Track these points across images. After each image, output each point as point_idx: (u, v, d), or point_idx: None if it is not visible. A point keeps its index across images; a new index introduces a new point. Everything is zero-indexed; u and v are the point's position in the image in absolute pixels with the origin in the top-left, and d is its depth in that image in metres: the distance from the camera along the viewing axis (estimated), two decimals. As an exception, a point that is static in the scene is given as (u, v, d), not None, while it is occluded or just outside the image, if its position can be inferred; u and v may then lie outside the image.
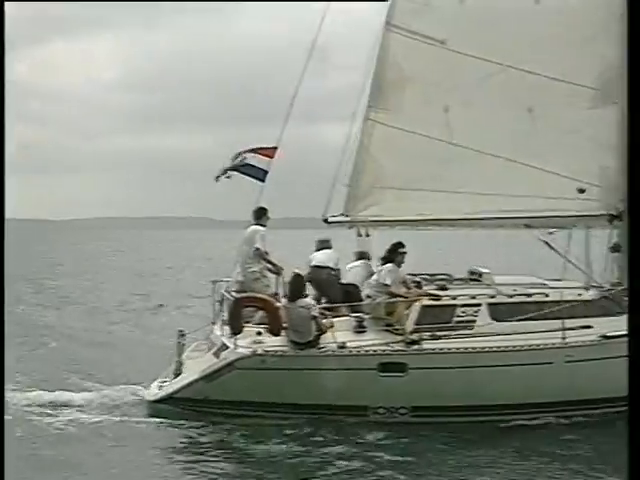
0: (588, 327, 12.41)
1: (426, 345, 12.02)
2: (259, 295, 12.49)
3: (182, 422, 12.23)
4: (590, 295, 13.01)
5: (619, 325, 12.14)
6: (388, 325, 12.54)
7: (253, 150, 13.46)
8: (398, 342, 12.11)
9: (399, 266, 12.87)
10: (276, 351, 12.08)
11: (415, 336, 12.05)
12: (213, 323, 13.77)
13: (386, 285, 12.52)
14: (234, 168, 13.47)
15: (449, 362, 11.95)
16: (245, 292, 12.87)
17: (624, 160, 13.54)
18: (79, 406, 12.76)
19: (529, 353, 11.99)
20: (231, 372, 12.12)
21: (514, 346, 11.94)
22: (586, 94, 13.71)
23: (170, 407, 12.57)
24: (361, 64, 13.92)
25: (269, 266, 13.25)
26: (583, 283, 13.62)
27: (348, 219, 13.66)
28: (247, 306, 12.36)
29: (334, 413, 12.08)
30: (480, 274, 13.46)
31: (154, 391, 13.00)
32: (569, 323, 12.28)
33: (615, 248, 13.65)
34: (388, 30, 13.79)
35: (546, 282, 13.43)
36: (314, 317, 12.02)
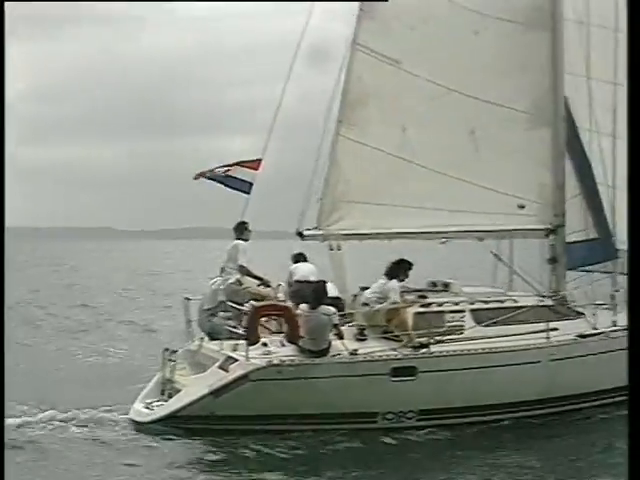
0: (556, 329, 13.46)
1: (434, 348, 12.45)
2: (278, 303, 12.27)
3: (188, 441, 11.68)
4: (549, 301, 14.12)
5: (580, 326, 13.42)
6: (385, 332, 12.81)
7: (238, 164, 13.28)
8: (406, 347, 12.40)
9: (402, 281, 13.17)
10: (292, 360, 11.91)
11: (423, 340, 12.43)
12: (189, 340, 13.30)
13: (395, 302, 12.77)
14: (220, 181, 13.22)
15: (456, 364, 12.45)
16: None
17: (558, 178, 15.06)
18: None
19: (523, 353, 12.81)
20: (244, 385, 11.77)
21: (515, 347, 12.70)
22: (522, 117, 14.93)
23: (165, 427, 11.92)
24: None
25: (256, 281, 13.07)
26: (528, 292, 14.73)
27: (321, 232, 13.78)
28: (265, 315, 12.09)
29: (345, 421, 12.09)
30: (446, 284, 14.13)
31: (143, 411, 12.24)
32: (540, 326, 13.28)
33: (552, 260, 14.92)
34: (353, 48, 14.22)
35: (502, 292, 14.40)
36: (335, 325, 12.02)
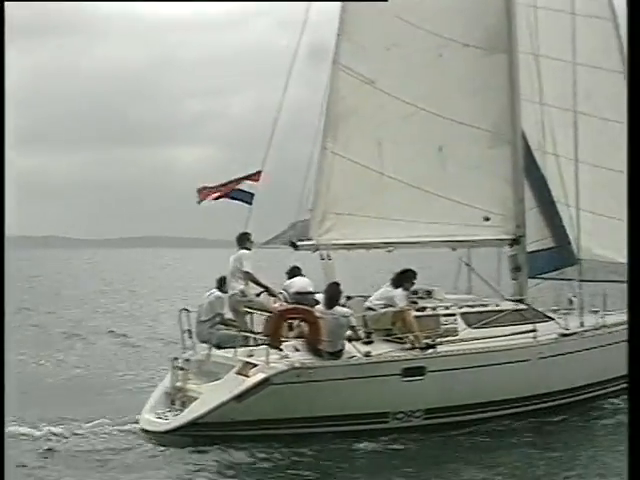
0: (535, 330, 14.29)
1: (440, 348, 12.99)
2: (301, 307, 12.46)
3: (209, 448, 11.69)
4: (523, 306, 14.97)
5: (553, 328, 14.37)
6: (388, 335, 13.24)
7: (238, 181, 13.59)
8: (414, 348, 12.88)
9: (407, 290, 13.65)
10: (312, 363, 12.14)
11: (429, 341, 12.96)
12: (185, 350, 13.31)
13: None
14: (225, 195, 13.48)
15: (461, 363, 13.02)
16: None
17: (519, 192, 16.04)
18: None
19: (518, 352, 13.53)
20: (265, 389, 11.90)
21: (516, 345, 13.42)
22: (485, 136, 15.85)
23: (181, 436, 11.87)
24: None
25: (261, 288, 13.26)
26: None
27: (313, 242, 14.14)
28: (290, 318, 12.27)
29: (359, 422, 12.40)
30: (429, 291, 14.73)
31: (156, 421, 12.13)
32: (523, 328, 14.11)
33: (516, 268, 15.82)
34: (335, 67, 14.79)
35: (478, 298, 15.16)
36: (352, 326, 12.35)
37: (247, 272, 13.15)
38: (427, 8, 15.33)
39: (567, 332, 14.19)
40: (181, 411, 12.22)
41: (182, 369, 12.67)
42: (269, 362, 11.99)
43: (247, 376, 12.04)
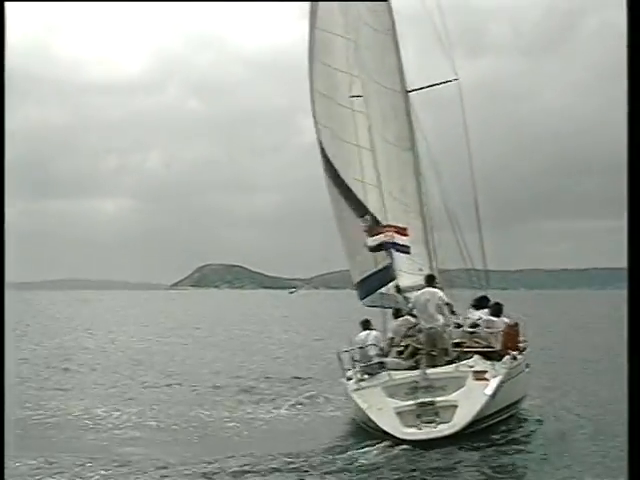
0: None
1: None
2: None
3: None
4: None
5: None
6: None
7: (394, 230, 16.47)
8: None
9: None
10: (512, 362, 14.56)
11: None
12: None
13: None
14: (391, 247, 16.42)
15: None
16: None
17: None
18: None
19: None
20: (501, 387, 13.67)
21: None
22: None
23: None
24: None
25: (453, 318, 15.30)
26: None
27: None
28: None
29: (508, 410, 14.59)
30: None
31: (415, 431, 12.88)
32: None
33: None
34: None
35: None
36: None
37: (448, 303, 15.20)
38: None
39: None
40: (434, 420, 13.09)
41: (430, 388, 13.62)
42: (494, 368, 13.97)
43: (487, 379, 13.62)
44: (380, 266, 17.56)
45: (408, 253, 16.56)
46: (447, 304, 15.23)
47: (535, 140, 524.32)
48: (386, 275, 17.38)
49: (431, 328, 14.79)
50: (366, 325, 15.54)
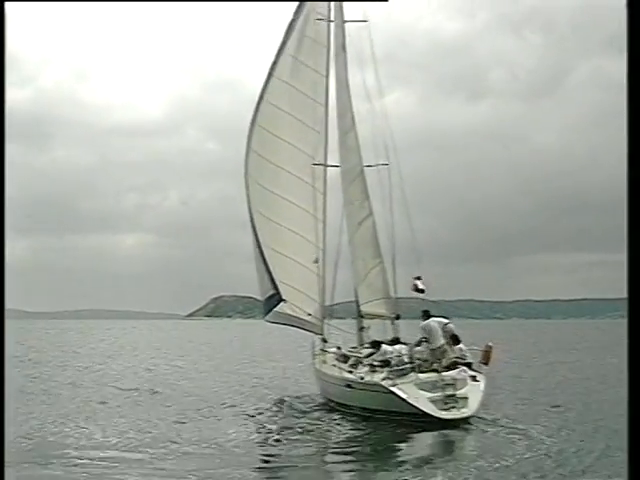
0: None
1: None
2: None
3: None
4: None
5: None
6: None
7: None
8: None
9: None
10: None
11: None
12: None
13: None
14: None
15: None
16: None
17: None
18: None
19: None
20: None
21: None
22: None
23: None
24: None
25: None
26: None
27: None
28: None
29: None
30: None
31: (442, 412, 16.98)
32: None
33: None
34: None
35: None
36: None
37: (454, 334, 19.20)
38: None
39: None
40: (455, 406, 17.29)
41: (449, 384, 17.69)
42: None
43: (479, 381, 18.33)
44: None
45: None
46: (453, 335, 19.29)
47: (533, 178, 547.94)
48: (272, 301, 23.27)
49: (439, 347, 18.99)
50: (396, 341, 19.99)
